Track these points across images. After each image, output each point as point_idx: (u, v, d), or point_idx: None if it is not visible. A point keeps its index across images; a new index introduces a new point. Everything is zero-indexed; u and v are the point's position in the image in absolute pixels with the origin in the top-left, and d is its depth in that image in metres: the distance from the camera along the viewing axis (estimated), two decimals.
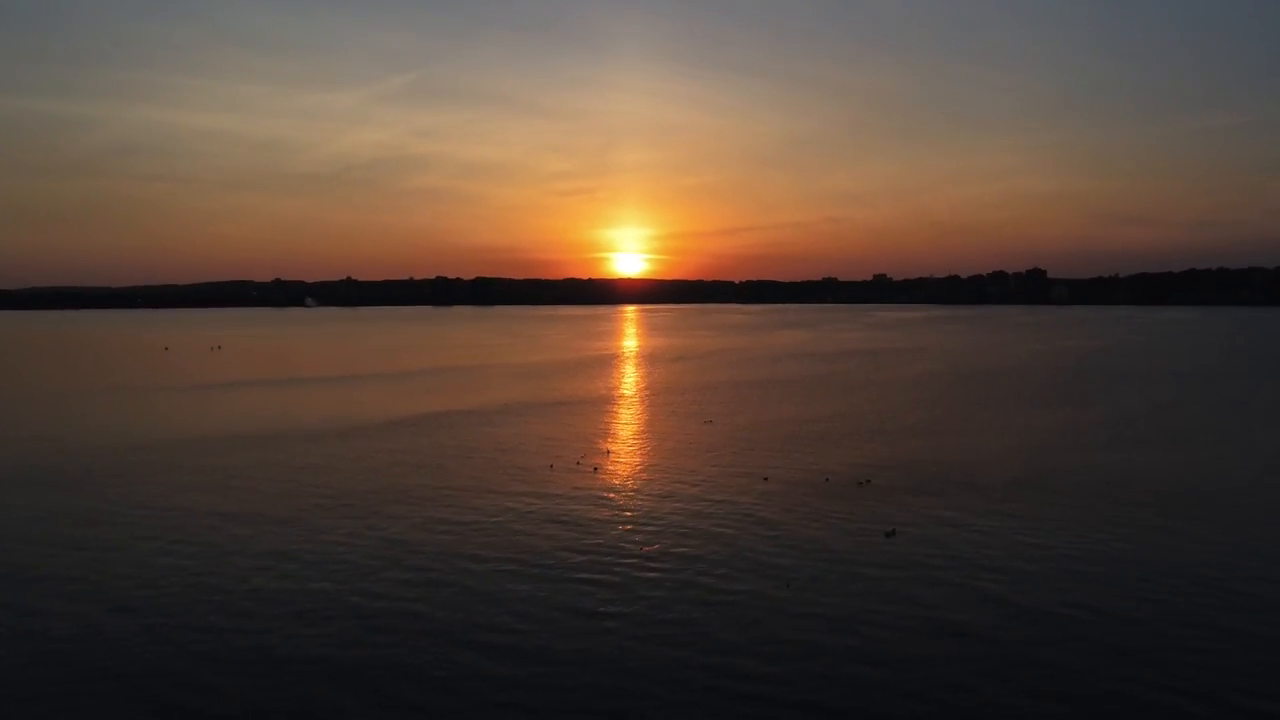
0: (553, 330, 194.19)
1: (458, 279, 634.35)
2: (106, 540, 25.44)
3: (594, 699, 15.51)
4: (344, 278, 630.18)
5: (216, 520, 27.64)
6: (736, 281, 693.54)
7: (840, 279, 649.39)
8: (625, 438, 44.14)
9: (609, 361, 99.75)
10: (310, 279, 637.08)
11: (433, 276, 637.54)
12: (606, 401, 60.28)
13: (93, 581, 21.84)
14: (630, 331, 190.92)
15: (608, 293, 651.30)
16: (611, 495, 31.09)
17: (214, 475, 34.68)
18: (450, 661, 17.02)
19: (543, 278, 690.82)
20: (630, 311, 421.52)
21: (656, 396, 63.07)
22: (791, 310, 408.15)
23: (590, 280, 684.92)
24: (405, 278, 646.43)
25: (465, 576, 22.02)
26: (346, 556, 23.72)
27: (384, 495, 30.94)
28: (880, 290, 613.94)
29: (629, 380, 76.94)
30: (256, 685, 16.08)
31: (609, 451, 39.95)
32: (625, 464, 37.00)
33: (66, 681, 16.37)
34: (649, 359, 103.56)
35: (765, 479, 33.14)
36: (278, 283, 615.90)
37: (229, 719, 14.91)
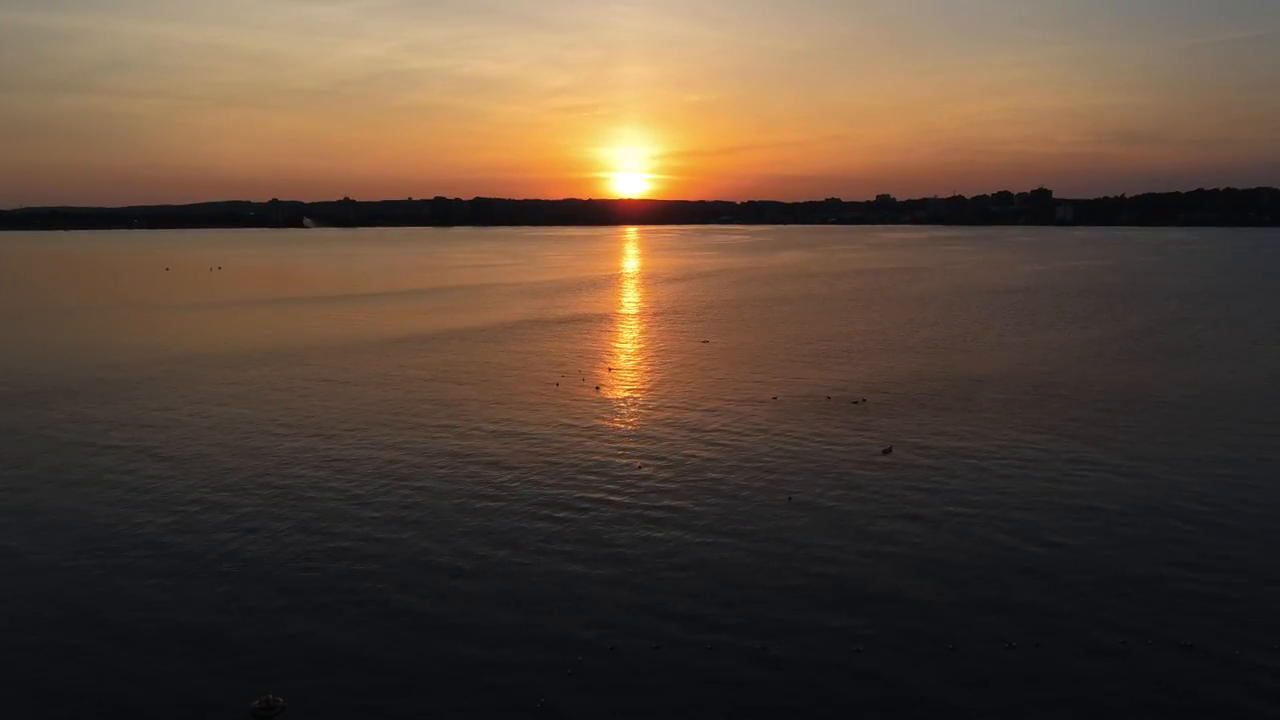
0: (553, 251, 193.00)
1: (456, 199, 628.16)
2: (107, 453, 25.78)
3: (583, 607, 15.94)
4: (342, 198, 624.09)
5: (219, 435, 27.97)
6: (738, 202, 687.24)
7: (843, 199, 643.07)
8: (628, 356, 44.35)
9: (610, 282, 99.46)
10: (308, 199, 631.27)
11: (431, 197, 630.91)
12: (609, 321, 60.36)
13: (91, 495, 22.22)
14: (631, 252, 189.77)
15: (608, 213, 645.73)
16: (615, 413, 31.40)
17: (218, 392, 34.95)
18: (455, 568, 17.45)
19: (543, 198, 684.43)
20: (631, 232, 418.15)
21: (658, 316, 63.12)
22: (794, 231, 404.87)
23: (590, 201, 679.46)
24: (404, 198, 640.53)
25: (474, 489, 22.39)
26: (348, 471, 24.08)
27: (387, 412, 31.23)
28: (884, 210, 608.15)
29: (630, 300, 76.88)
30: (242, 598, 16.53)
31: (611, 370, 40.19)
32: (628, 382, 37.26)
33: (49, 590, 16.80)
34: (650, 279, 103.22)
35: (774, 398, 33.37)
36: (275, 203, 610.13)
37: (213, 623, 15.36)
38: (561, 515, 20.43)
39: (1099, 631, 14.75)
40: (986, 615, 15.40)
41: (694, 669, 13.69)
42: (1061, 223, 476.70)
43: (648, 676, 13.51)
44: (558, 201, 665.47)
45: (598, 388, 35.75)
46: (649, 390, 35.33)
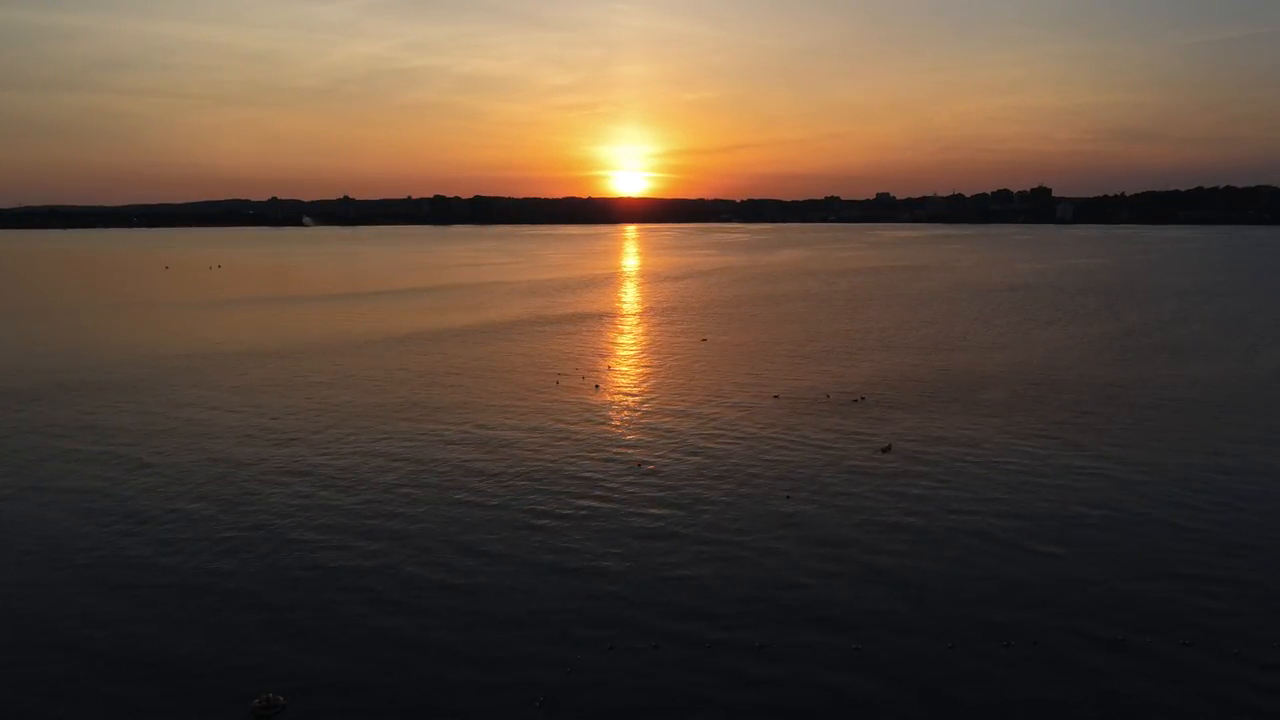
0: (553, 249, 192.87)
1: (456, 198, 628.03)
2: (106, 454, 25.65)
3: (579, 606, 15.82)
4: (341, 196, 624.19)
5: (218, 435, 27.83)
6: (737, 200, 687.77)
7: (842, 197, 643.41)
8: (627, 355, 44.22)
9: (610, 280, 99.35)
10: (307, 198, 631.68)
11: (431, 195, 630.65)
12: (608, 319, 60.22)
13: (87, 495, 22.08)
14: (630, 250, 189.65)
15: (608, 212, 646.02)
16: (614, 412, 31.28)
17: (217, 390, 34.81)
18: (448, 570, 17.32)
19: (542, 196, 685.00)
20: (630, 230, 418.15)
21: (658, 314, 63.01)
22: (793, 229, 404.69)
23: (590, 199, 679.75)
24: (403, 196, 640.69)
25: (470, 494, 22.26)
26: (338, 477, 23.94)
27: (386, 411, 31.09)
28: (883, 209, 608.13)
29: (630, 298, 76.75)
30: (230, 599, 16.40)
31: (610, 368, 40.05)
32: (628, 381, 37.14)
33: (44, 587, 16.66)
34: (649, 278, 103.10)
35: (775, 396, 33.25)
36: (274, 201, 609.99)
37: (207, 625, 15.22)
38: (559, 521, 20.29)
39: (1097, 644, 14.61)
40: (985, 624, 15.26)
41: (689, 682, 13.54)
42: (1061, 221, 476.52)
43: (640, 693, 13.37)
44: (557, 200, 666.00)
45: (597, 386, 35.61)
46: (648, 389, 35.19)
